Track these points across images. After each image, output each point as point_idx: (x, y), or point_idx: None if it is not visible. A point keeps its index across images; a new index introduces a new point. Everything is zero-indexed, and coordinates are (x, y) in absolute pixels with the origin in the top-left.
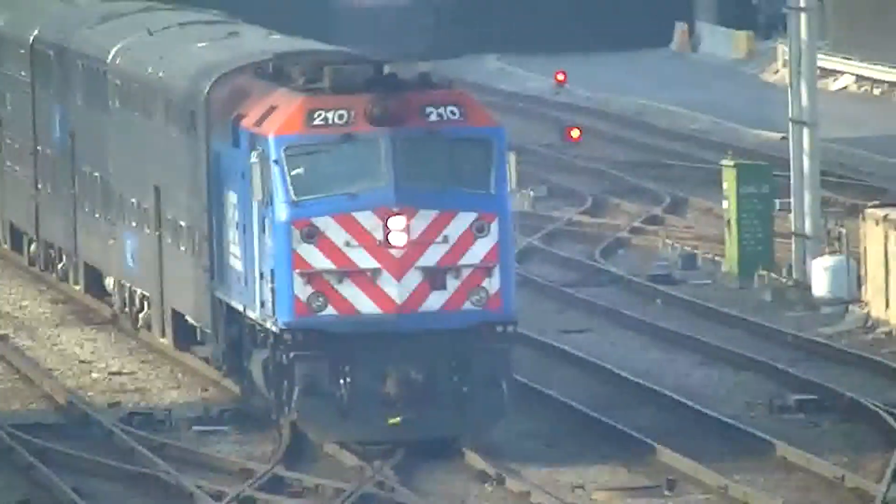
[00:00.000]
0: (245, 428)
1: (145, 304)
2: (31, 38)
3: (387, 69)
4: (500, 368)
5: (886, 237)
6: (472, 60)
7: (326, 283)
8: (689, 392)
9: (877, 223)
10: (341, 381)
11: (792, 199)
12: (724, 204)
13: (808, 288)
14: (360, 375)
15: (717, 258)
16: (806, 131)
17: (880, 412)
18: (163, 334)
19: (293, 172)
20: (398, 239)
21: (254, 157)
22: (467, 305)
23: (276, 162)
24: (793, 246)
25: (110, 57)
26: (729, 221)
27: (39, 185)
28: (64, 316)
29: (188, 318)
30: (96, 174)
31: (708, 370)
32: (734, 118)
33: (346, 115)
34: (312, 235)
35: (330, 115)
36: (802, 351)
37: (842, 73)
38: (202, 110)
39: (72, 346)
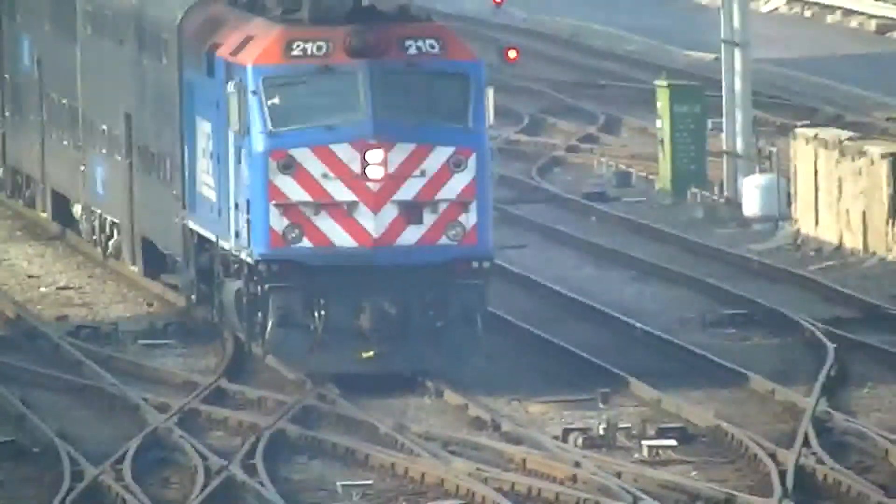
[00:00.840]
0: (189, 341)
1: (115, 231)
2: None
3: (366, 1)
4: (475, 304)
5: (816, 156)
6: None
7: (302, 214)
8: (623, 307)
9: (807, 142)
10: (315, 314)
11: (724, 119)
12: (658, 123)
13: (740, 205)
14: (335, 308)
15: (650, 176)
16: (738, 52)
17: (809, 326)
18: (133, 262)
19: (271, 103)
20: (375, 172)
21: (230, 87)
22: (444, 240)
23: (253, 92)
24: (724, 164)
25: None
26: (662, 140)
27: (6, 112)
28: (12, 231)
29: (158, 246)
30: (64, 101)
31: (641, 286)
32: (668, 39)
33: (324, 47)
34: (289, 167)
35: (308, 46)
36: (733, 267)
37: None
38: (174, 38)
39: (20, 261)
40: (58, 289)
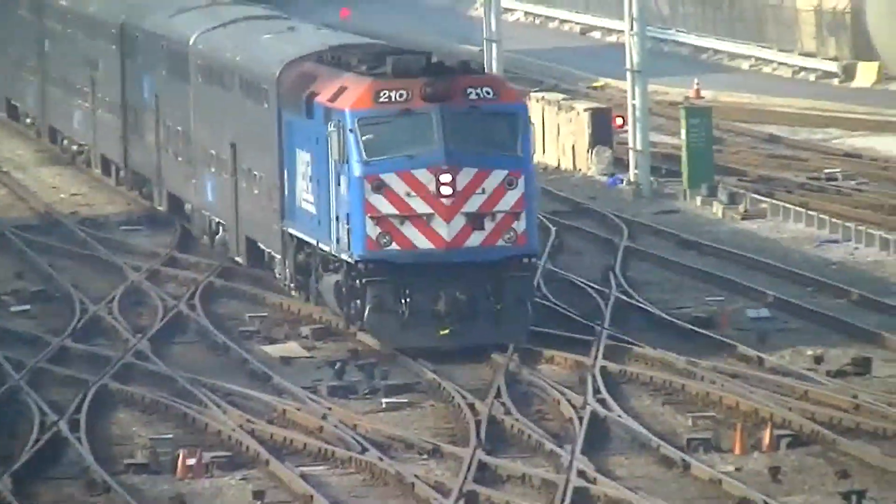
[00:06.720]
0: (153, 228)
1: (220, 228)
2: (121, 23)
3: (434, 58)
4: (525, 291)
5: (543, 110)
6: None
7: (391, 224)
8: None
9: (537, 101)
10: (402, 301)
11: None
12: None
13: None
14: (417, 296)
15: None
16: (494, 46)
17: (540, 216)
18: (238, 254)
19: (364, 138)
20: (447, 190)
21: (331, 127)
22: (500, 242)
23: (351, 130)
24: None
25: (191, 41)
26: None
27: (128, 131)
28: (43, 160)
29: (260, 244)
30: (179, 128)
31: None
32: (452, 38)
33: (405, 94)
34: (380, 188)
35: (393, 94)
36: None
37: (516, 10)
38: (274, 88)
39: (47, 177)
40: (71, 195)
